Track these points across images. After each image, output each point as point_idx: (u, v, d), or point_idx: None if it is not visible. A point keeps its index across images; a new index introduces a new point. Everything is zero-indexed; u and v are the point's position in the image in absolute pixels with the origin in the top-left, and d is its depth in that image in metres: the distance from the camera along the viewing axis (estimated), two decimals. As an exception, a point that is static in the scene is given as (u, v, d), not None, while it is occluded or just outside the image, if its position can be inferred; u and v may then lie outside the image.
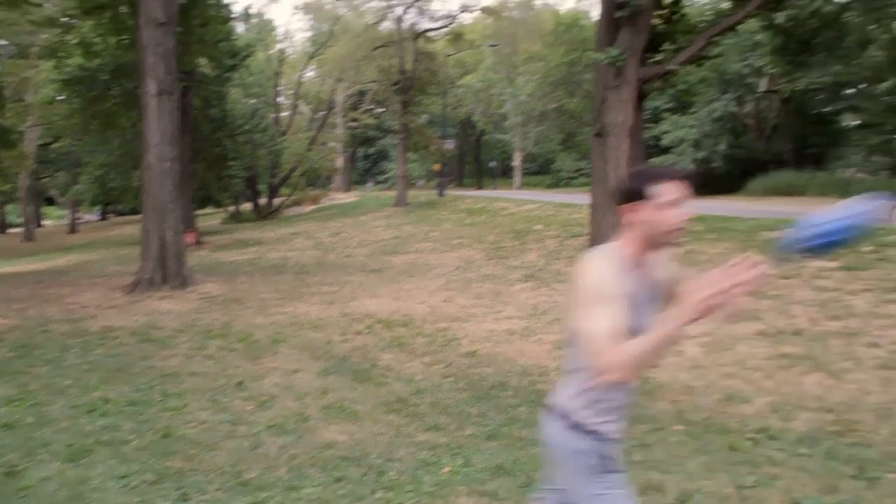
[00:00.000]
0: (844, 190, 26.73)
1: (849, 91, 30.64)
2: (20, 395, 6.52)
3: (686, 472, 4.61)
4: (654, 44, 9.03)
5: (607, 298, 2.31)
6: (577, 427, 2.51)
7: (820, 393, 6.21)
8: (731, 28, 8.43)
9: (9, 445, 5.14)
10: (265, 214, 37.72)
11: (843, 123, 34.54)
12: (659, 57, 9.39)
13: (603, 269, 2.37)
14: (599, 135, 8.59)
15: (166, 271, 13.54)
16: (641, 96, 8.66)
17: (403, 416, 5.97)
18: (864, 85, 28.29)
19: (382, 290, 12.97)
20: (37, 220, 52.66)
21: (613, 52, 8.23)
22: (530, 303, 11.30)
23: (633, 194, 2.42)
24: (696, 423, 5.64)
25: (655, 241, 2.43)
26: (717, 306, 2.13)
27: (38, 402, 6.28)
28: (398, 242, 21.01)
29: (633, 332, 2.28)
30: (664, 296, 2.58)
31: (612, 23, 9.07)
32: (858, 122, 31.08)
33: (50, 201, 65.41)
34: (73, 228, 47.05)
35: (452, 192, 40.62)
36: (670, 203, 2.36)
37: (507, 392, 6.57)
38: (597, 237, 8.56)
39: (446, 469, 4.69)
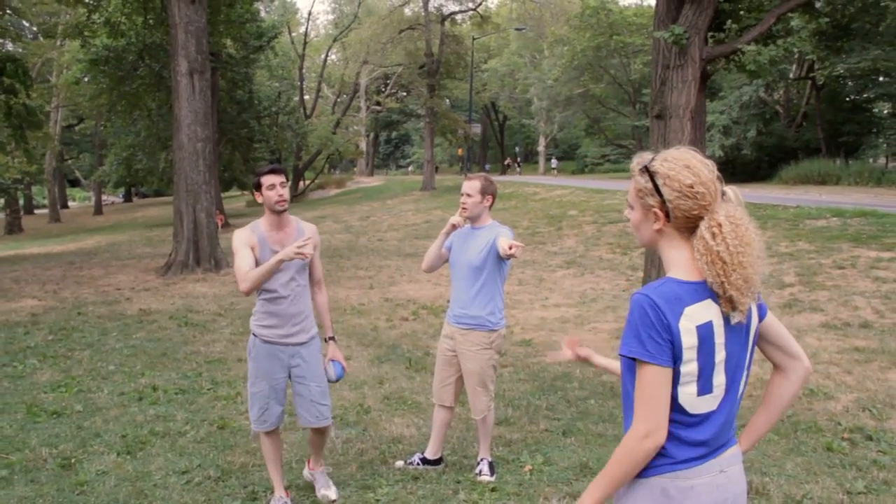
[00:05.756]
0: (879, 179, 26.05)
1: (883, 79, 29.80)
2: (65, 380, 6.28)
3: (786, 475, 4.27)
4: (716, 22, 8.61)
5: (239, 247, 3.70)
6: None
7: (908, 390, 5.84)
8: (805, 4, 7.97)
9: (61, 435, 4.88)
10: (291, 197, 37.49)
11: (877, 111, 33.72)
12: (720, 36, 8.97)
13: (239, 233, 3.73)
14: (659, 117, 8.20)
15: (199, 253, 13.32)
16: (705, 77, 8.26)
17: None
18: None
19: (421, 275, 12.63)
20: (62, 201, 52.82)
21: (678, 29, 7.82)
22: (577, 290, 10.95)
23: (255, 185, 3.77)
24: (783, 420, 5.28)
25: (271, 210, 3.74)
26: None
27: (84, 389, 6.03)
28: (430, 227, 20.64)
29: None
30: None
31: (674, -2, 8.65)
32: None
33: (74, 183, 65.68)
34: (98, 210, 47.06)
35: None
36: (268, 187, 3.68)
37: (572, 384, 6.23)
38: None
39: (527, 467, 4.37)
